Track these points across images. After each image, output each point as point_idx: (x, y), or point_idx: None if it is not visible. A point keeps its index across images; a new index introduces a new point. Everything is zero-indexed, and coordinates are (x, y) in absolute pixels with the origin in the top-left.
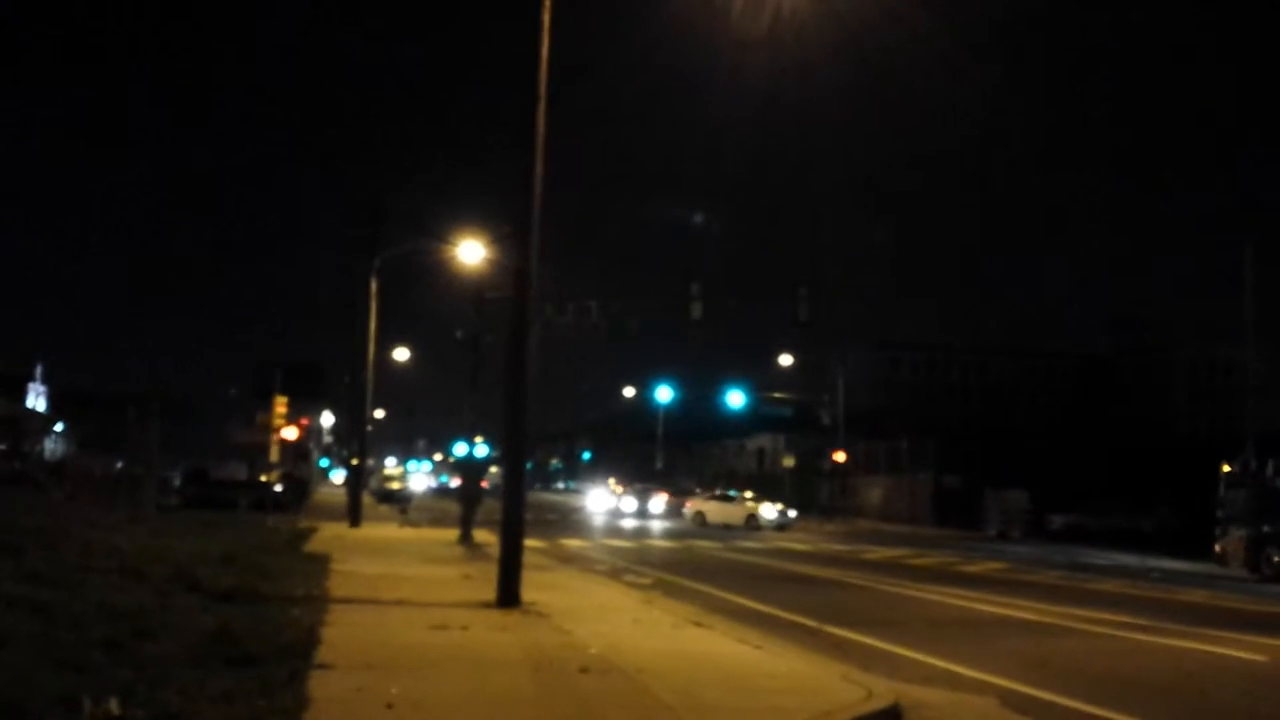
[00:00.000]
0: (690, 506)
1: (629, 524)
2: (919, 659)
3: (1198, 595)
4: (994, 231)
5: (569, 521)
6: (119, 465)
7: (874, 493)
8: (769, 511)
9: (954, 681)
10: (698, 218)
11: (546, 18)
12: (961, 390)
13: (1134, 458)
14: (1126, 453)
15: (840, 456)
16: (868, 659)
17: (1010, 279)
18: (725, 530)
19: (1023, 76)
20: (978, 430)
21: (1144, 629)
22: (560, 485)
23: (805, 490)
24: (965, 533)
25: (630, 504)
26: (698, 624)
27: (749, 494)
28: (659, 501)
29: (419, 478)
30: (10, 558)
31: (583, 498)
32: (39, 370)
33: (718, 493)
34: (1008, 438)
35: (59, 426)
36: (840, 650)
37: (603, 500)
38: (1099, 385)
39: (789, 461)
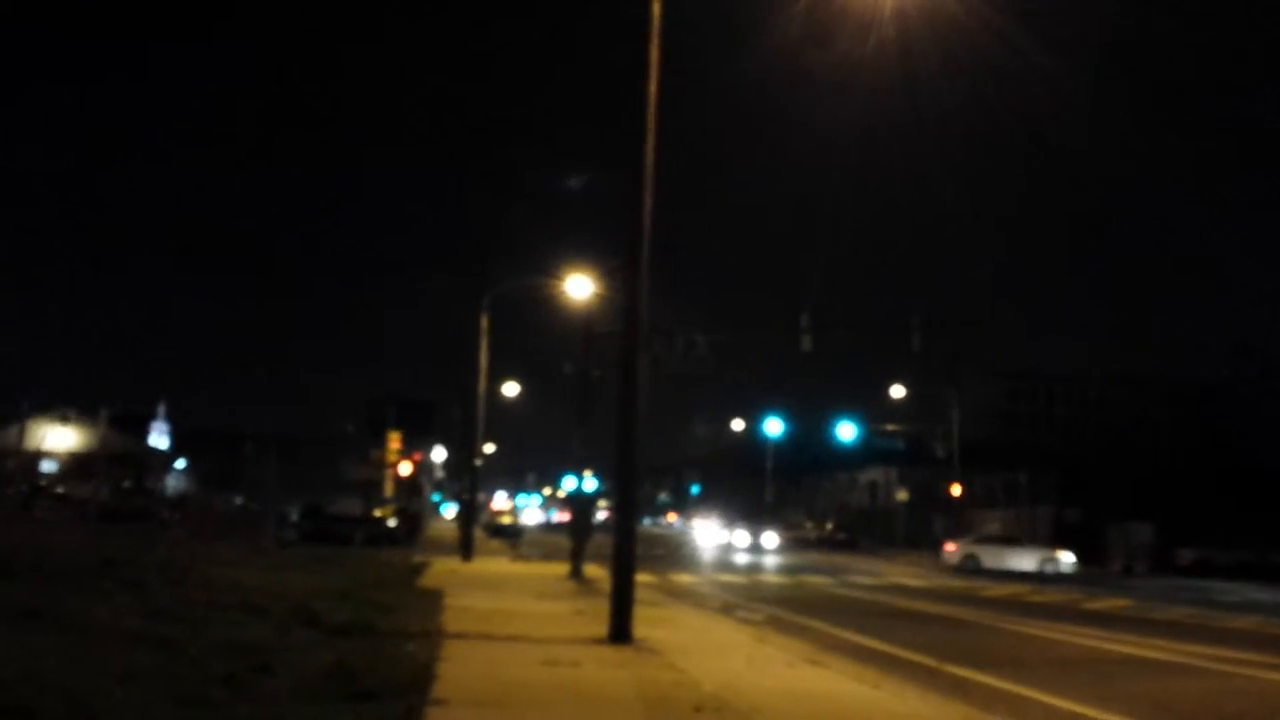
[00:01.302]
0: (956, 549)
1: (740, 559)
2: (1042, 699)
3: None
4: (1109, 257)
5: (677, 556)
6: (238, 501)
7: (991, 527)
8: (1068, 556)
9: None
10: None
11: (655, 53)
12: (1080, 421)
13: (1263, 489)
14: (1255, 484)
15: (955, 489)
16: (989, 699)
17: (1128, 306)
18: (1007, 575)
19: (1132, 98)
20: (1098, 462)
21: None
22: (647, 521)
23: (919, 525)
24: (1087, 568)
25: (743, 538)
26: (813, 662)
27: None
28: (771, 537)
29: (530, 512)
30: (135, 593)
31: (691, 531)
32: (161, 409)
33: (995, 534)
34: (1130, 469)
35: (180, 463)
36: (960, 690)
37: (712, 534)
38: (1223, 414)
39: (902, 495)
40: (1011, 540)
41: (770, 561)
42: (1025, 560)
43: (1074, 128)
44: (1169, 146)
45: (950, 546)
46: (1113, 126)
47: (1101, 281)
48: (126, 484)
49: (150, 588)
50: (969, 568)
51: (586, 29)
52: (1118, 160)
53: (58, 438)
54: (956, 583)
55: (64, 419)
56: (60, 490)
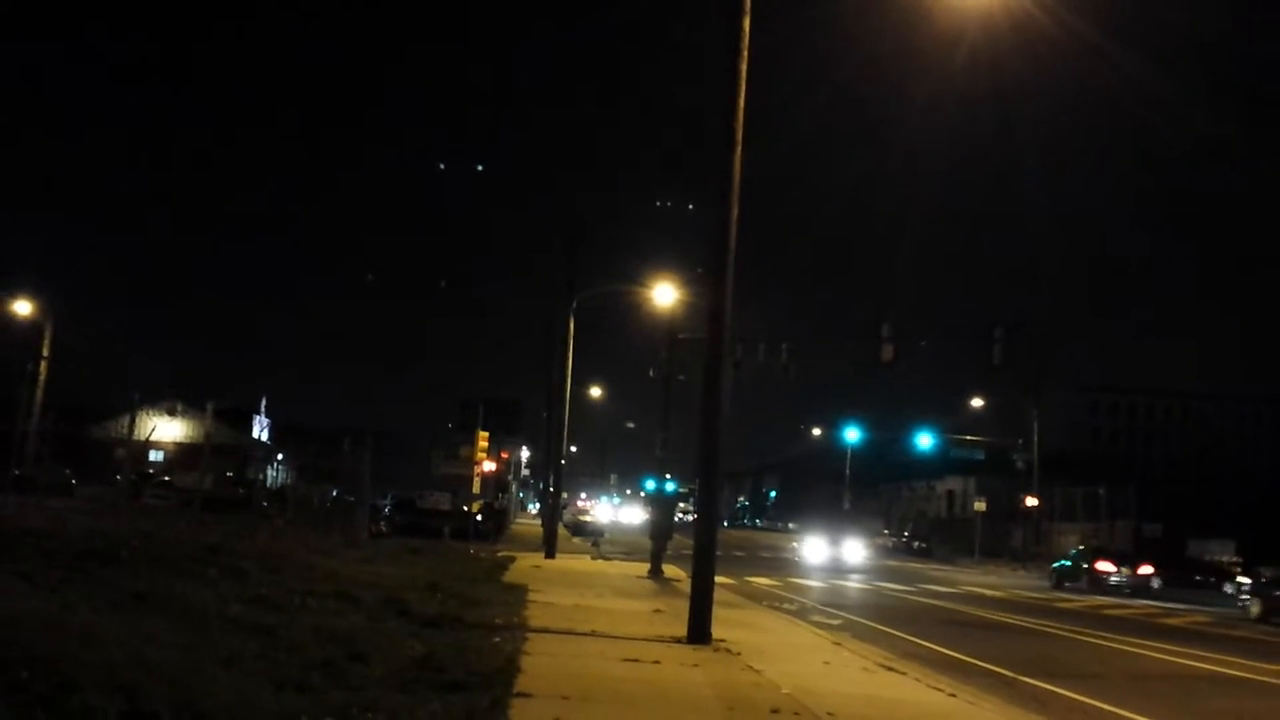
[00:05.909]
0: None
1: (818, 565)
2: (1120, 714)
3: None
4: (1195, 271)
5: (756, 559)
6: (334, 493)
7: (1069, 539)
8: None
9: None
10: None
11: (743, 66)
12: (1163, 435)
13: None
14: None
15: (1033, 501)
16: (1066, 712)
17: (1214, 320)
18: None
19: (1223, 107)
20: (1181, 476)
21: None
22: (748, 522)
23: (997, 536)
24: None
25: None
26: (889, 668)
27: None
28: (856, 548)
29: (629, 510)
30: (237, 581)
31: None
32: (263, 404)
33: None
34: (1213, 484)
35: (280, 456)
36: (1037, 702)
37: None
38: None
39: (980, 505)
40: None
41: (848, 568)
42: None
43: (1173, 137)
44: (1270, 156)
45: None
46: (1213, 136)
47: (1195, 295)
48: (229, 475)
49: (250, 575)
50: None
51: (674, 41)
52: (1217, 171)
53: (166, 429)
54: (1034, 594)
55: (172, 411)
56: (167, 479)
